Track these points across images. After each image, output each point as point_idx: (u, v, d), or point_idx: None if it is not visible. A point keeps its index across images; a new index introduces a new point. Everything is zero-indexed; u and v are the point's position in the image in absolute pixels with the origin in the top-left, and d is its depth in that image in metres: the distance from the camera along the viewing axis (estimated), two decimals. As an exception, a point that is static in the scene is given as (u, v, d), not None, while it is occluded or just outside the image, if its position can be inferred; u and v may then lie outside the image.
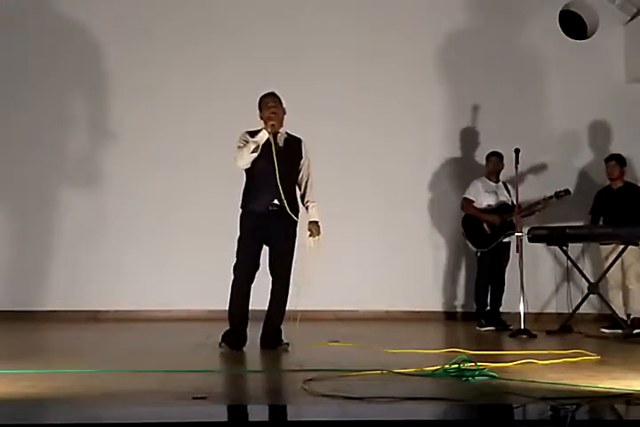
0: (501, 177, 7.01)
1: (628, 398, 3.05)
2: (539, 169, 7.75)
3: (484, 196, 6.84)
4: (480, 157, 7.54)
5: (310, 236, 4.98)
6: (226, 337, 4.86)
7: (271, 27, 7.54)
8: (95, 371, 3.76)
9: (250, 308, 4.91)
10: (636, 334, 6.27)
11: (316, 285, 6.72)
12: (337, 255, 7.23)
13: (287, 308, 4.97)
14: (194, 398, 3.00)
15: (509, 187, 6.93)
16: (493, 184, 6.93)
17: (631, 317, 6.60)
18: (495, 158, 6.90)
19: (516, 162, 6.37)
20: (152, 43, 7.43)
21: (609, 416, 2.98)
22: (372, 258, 7.45)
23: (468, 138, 7.83)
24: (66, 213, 7.21)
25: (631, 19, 8.10)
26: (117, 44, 7.39)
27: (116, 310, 7.08)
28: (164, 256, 7.20)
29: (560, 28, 8.09)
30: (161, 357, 4.55)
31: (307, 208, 5.09)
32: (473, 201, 6.87)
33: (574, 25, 8.26)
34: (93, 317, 7.05)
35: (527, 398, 3.02)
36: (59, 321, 6.74)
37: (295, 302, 4.93)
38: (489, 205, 6.83)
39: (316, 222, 5.04)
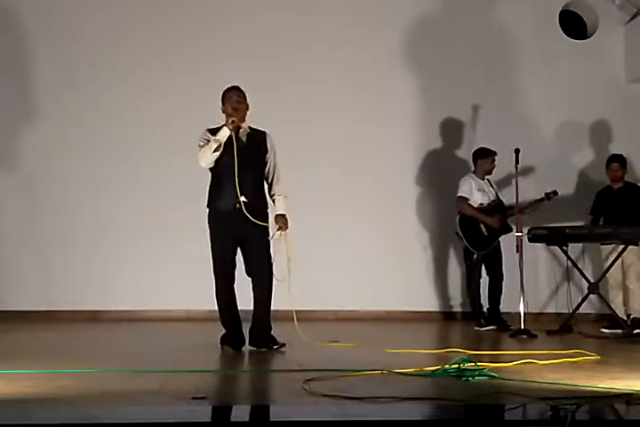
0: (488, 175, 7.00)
1: (628, 398, 3.04)
2: (537, 170, 7.72)
3: (476, 194, 6.78)
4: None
5: (278, 229, 4.90)
6: (224, 340, 4.86)
7: (261, 24, 7.51)
8: (95, 371, 3.76)
9: (243, 307, 4.90)
10: (636, 334, 6.26)
11: (316, 285, 6.77)
12: (337, 255, 7.26)
13: (285, 308, 4.95)
14: (194, 398, 3.00)
15: (493, 184, 6.93)
16: (482, 182, 6.90)
17: (631, 317, 6.59)
18: (494, 157, 6.84)
19: (516, 162, 6.36)
20: (146, 41, 7.41)
21: (609, 416, 2.98)
22: (371, 258, 7.44)
23: (468, 137, 7.82)
24: (66, 213, 7.20)
25: (631, 19, 8.09)
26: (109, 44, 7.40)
27: (116, 310, 7.07)
28: (163, 256, 7.19)
29: (560, 28, 8.09)
30: (161, 357, 4.55)
31: (273, 201, 5.01)
32: (468, 199, 6.81)
33: (574, 25, 8.26)
34: (93, 317, 7.05)
35: (527, 398, 3.02)
36: (59, 321, 6.74)
37: (290, 301, 4.90)
38: (481, 204, 6.79)
39: (284, 215, 4.94)
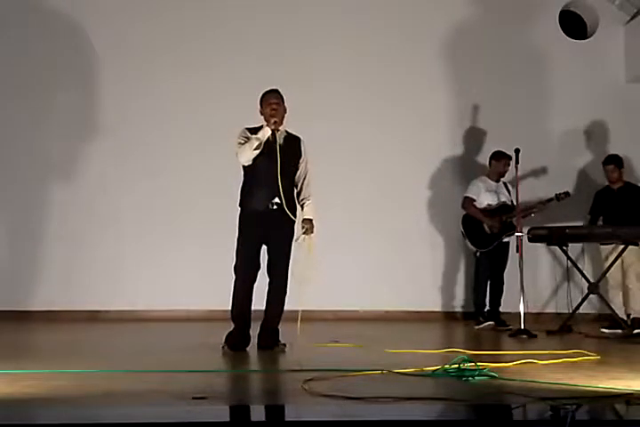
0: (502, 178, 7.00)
1: (628, 398, 3.04)
2: (539, 171, 7.74)
3: (484, 195, 6.84)
4: (481, 156, 7.56)
5: (304, 233, 4.96)
6: (229, 338, 4.85)
7: (269, 25, 7.54)
8: (95, 371, 3.76)
9: (253, 307, 4.91)
10: (636, 334, 6.26)
11: (316, 285, 6.76)
12: (337, 255, 7.25)
13: (289, 308, 4.96)
14: (194, 398, 2.99)
15: (509, 187, 6.93)
16: (494, 184, 6.92)
17: (631, 317, 6.59)
18: (507, 161, 6.82)
19: (516, 162, 6.36)
20: (147, 42, 7.41)
21: (609, 416, 2.98)
22: (371, 258, 7.45)
23: (469, 137, 7.83)
24: (66, 213, 7.21)
25: (631, 19, 8.10)
26: (110, 45, 7.40)
27: (116, 310, 7.07)
28: (164, 256, 7.20)
29: (560, 28, 8.09)
30: (161, 357, 4.55)
31: (302, 206, 5.06)
32: (474, 200, 6.86)
33: (574, 25, 8.26)
34: (93, 317, 7.05)
35: (527, 398, 3.02)
36: (59, 321, 6.74)
37: (297, 302, 4.91)
38: (489, 205, 6.83)
39: (311, 220, 5.02)
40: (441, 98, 7.76)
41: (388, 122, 7.63)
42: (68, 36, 7.40)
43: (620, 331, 6.32)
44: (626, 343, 5.76)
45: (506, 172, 6.93)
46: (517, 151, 6.36)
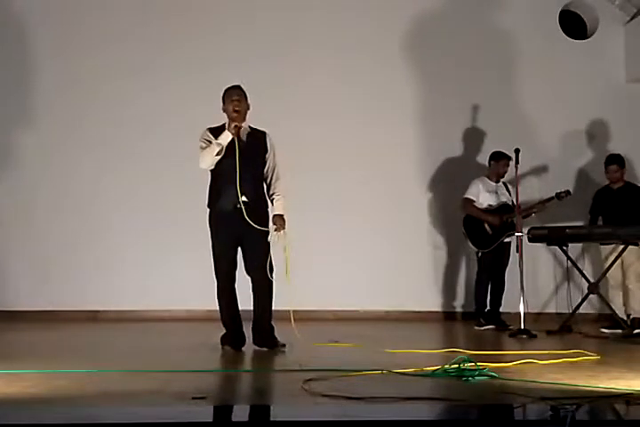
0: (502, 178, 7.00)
1: (628, 398, 3.04)
2: (539, 170, 7.75)
3: (484, 196, 6.83)
4: (481, 156, 7.55)
5: (275, 230, 4.88)
6: (224, 340, 4.86)
7: (256, 24, 7.52)
8: (95, 371, 3.76)
9: (243, 307, 4.90)
10: (636, 334, 6.26)
11: (316, 285, 6.77)
12: (337, 255, 7.26)
13: (285, 308, 4.95)
14: (194, 398, 2.99)
15: (509, 187, 6.93)
16: (494, 184, 6.92)
17: (631, 317, 6.59)
18: (507, 161, 6.80)
19: (516, 162, 6.36)
20: (144, 43, 7.41)
21: (609, 416, 2.98)
22: (371, 258, 7.45)
23: (468, 137, 7.83)
24: (66, 213, 7.21)
25: (631, 19, 8.10)
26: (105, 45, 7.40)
27: (116, 310, 7.07)
28: (164, 256, 7.20)
29: (560, 28, 8.09)
30: (161, 357, 4.55)
31: (271, 201, 5.00)
32: (474, 201, 6.86)
33: (574, 25, 8.26)
34: (93, 317, 7.05)
35: (527, 398, 3.02)
36: (59, 321, 6.74)
37: (289, 301, 4.90)
38: (490, 205, 6.82)
39: (281, 216, 4.94)
40: (441, 98, 7.75)
41: (389, 122, 7.63)
42: (62, 38, 7.40)
43: (619, 331, 6.32)
44: (626, 343, 5.76)
45: (505, 172, 6.92)
46: (517, 151, 6.36)
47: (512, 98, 7.85)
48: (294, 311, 4.94)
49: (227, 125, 4.88)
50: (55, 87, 7.35)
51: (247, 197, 4.80)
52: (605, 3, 8.15)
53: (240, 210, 4.76)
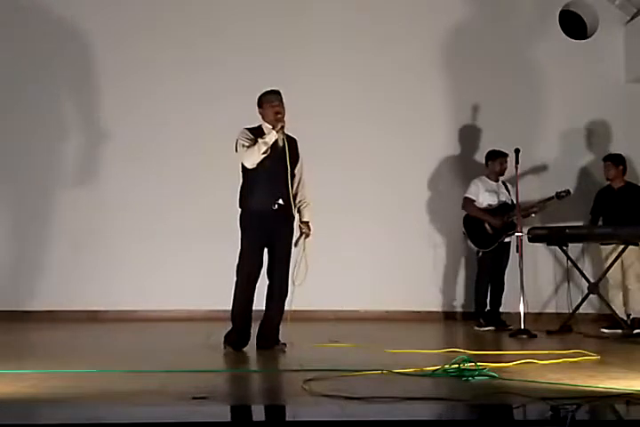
0: (501, 176, 7.00)
1: (628, 398, 3.04)
2: (539, 169, 7.75)
3: (484, 195, 6.83)
4: (481, 156, 7.53)
5: (301, 235, 4.96)
6: (229, 338, 4.85)
7: (270, 23, 7.54)
8: (95, 371, 3.76)
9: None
10: (636, 334, 6.26)
11: (316, 285, 6.76)
12: (337, 255, 7.25)
13: (286, 308, 4.96)
14: (194, 398, 3.00)
15: (509, 186, 6.93)
16: (494, 183, 6.92)
17: (631, 317, 6.59)
18: (503, 159, 6.81)
19: (516, 162, 6.36)
20: (149, 43, 7.42)
21: (609, 416, 2.98)
22: (372, 258, 7.44)
23: (469, 137, 7.83)
24: (66, 213, 7.21)
25: (631, 19, 8.09)
26: (114, 46, 7.40)
27: (116, 310, 7.07)
28: (163, 256, 7.19)
29: (560, 28, 8.09)
30: (161, 357, 4.55)
31: (299, 208, 5.06)
32: (474, 200, 6.85)
33: (574, 25, 8.26)
34: (93, 317, 7.05)
35: (527, 398, 3.02)
36: (59, 321, 6.74)
37: (290, 301, 4.91)
38: (490, 205, 6.82)
39: (307, 223, 5.04)
40: (441, 97, 7.75)
41: (389, 122, 7.62)
42: (68, 39, 7.40)
43: (619, 331, 6.32)
44: (626, 343, 5.76)
45: (504, 170, 6.90)
46: (517, 151, 6.36)
47: (512, 98, 7.84)
48: (294, 311, 4.94)
49: (264, 127, 4.91)
50: (60, 86, 7.34)
51: (283, 200, 4.85)
52: (605, 3, 8.14)
53: (275, 211, 4.82)
